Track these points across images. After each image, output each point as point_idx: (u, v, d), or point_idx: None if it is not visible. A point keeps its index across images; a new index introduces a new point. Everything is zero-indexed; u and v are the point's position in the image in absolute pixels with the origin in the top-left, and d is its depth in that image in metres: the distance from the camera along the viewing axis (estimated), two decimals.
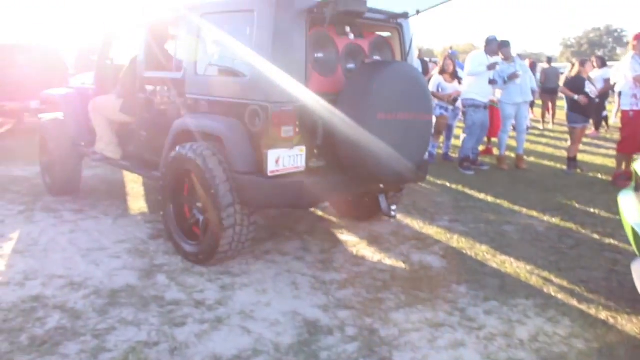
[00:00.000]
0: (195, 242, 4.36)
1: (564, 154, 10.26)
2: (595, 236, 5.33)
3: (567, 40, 68.55)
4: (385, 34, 4.88)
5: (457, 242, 5.10)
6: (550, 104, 14.18)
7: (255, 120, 3.95)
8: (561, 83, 14.08)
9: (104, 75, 5.80)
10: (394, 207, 4.50)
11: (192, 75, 4.45)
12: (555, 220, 5.83)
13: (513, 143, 9.47)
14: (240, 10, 4.13)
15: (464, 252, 4.86)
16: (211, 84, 4.30)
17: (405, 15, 4.69)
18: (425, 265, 4.50)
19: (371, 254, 4.72)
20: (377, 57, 4.68)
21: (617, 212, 3.97)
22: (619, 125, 8.39)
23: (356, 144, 3.90)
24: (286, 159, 3.92)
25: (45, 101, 6.71)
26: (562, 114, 16.34)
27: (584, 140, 11.77)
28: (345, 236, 5.16)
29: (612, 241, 5.17)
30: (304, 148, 3.98)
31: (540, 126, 14.45)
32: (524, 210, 6.19)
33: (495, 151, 9.37)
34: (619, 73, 7.61)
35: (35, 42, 10.80)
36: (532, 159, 9.49)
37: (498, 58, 8.34)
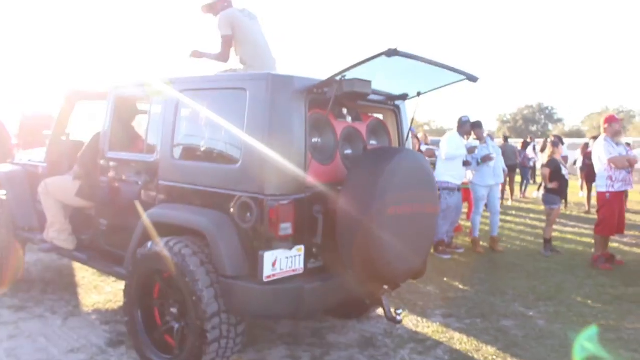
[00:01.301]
0: (170, 355, 3.67)
1: (532, 231, 10.11)
2: (601, 330, 4.94)
3: (503, 116, 71.73)
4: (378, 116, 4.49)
5: (459, 343, 4.58)
6: (508, 181, 14.24)
7: (246, 215, 3.40)
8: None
9: (58, 153, 5.14)
10: (399, 311, 3.97)
11: (168, 159, 3.88)
12: (552, 311, 5.43)
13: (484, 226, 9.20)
14: (229, 88, 3.65)
15: (470, 355, 4.34)
16: (191, 171, 3.74)
17: (404, 97, 4.32)
18: None
19: None
20: (374, 142, 4.26)
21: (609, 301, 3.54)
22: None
23: (365, 241, 3.40)
24: (284, 261, 3.37)
25: None
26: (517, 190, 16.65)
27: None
28: (334, 338, 4.55)
29: (620, 335, 4.78)
30: (302, 247, 3.44)
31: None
32: (517, 301, 5.77)
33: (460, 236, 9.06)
34: (593, 155, 7.55)
35: None
36: (503, 239, 9.22)
37: (472, 139, 8.18)
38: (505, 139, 15.69)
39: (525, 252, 8.41)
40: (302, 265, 3.46)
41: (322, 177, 3.67)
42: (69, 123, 5.20)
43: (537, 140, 20.74)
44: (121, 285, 5.63)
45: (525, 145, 17.02)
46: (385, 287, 3.90)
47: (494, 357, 4.34)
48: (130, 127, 4.64)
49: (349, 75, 3.46)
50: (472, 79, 3.93)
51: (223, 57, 4.57)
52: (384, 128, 4.40)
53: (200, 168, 3.71)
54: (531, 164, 17.00)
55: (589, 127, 56.73)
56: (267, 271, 3.27)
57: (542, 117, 71.04)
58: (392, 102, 4.38)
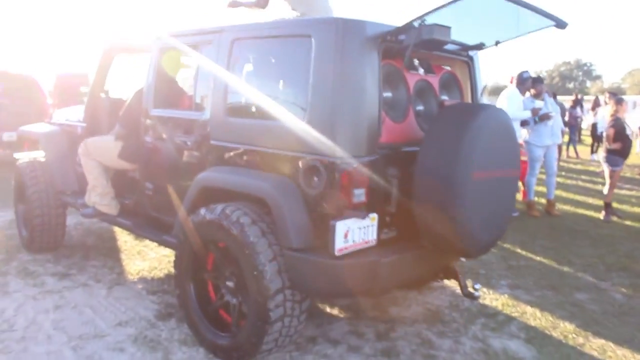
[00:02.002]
0: (226, 333, 3.36)
1: (586, 193, 9.56)
2: None
3: (539, 73, 69.49)
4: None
5: (533, 318, 4.20)
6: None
7: (313, 180, 3.01)
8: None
9: (98, 112, 4.79)
10: (477, 286, 3.58)
11: (221, 116, 3.49)
12: (627, 284, 5.00)
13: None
14: (291, 35, 3.21)
15: (547, 333, 3.96)
16: (248, 130, 3.34)
17: (480, 47, 3.83)
18: (514, 357, 3.58)
19: (440, 340, 3.77)
20: (445, 97, 3.80)
21: None
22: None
23: (446, 210, 2.99)
24: (356, 232, 2.98)
25: (23, 138, 5.65)
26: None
27: (600, 181, 11.12)
28: (397, 312, 4.20)
29: None
30: (375, 216, 3.04)
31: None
32: (587, 272, 5.33)
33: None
34: None
35: (8, 67, 9.68)
36: (558, 203, 8.71)
37: (529, 96, 7.63)
38: (554, 96, 14.92)
39: (583, 216, 7.91)
40: (375, 237, 3.08)
41: (395, 136, 3.26)
42: (108, 79, 4.82)
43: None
44: (165, 251, 5.37)
45: (576, 103, 16.21)
46: (463, 259, 3.52)
47: (574, 335, 3.95)
48: (175, 83, 4.24)
49: (427, 20, 3.00)
50: (561, 24, 3.42)
51: (261, 3, 4.16)
52: (457, 82, 3.93)
53: (258, 127, 3.31)
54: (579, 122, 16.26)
55: (630, 84, 54.59)
56: (339, 243, 2.89)
57: (580, 73, 68.68)
58: (465, 53, 3.89)
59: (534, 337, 3.89)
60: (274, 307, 3.04)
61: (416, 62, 3.57)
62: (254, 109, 3.43)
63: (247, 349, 3.18)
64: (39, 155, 5.46)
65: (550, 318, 4.21)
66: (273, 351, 3.25)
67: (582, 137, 20.09)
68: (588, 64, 68.74)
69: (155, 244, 5.42)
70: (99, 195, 4.41)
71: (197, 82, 3.74)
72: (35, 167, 5.15)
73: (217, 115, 3.51)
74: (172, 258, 5.14)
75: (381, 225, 3.12)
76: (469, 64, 3.96)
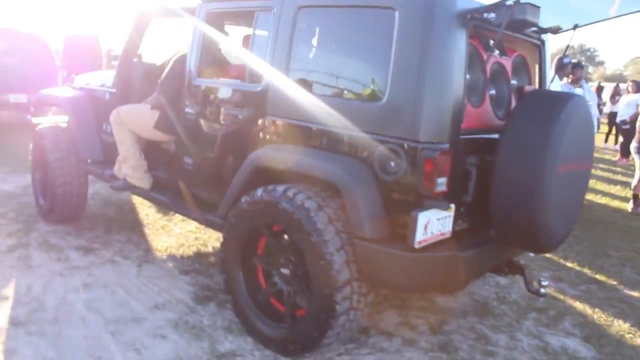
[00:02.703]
0: (279, 323, 3.14)
1: (609, 183, 9.40)
2: None
3: None
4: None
5: (584, 315, 4.02)
6: None
7: (390, 165, 2.76)
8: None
9: (129, 78, 4.47)
10: (544, 283, 3.38)
11: (281, 90, 3.21)
12: None
13: None
14: (370, 6, 2.91)
15: (603, 331, 3.79)
16: (314, 106, 3.06)
17: (556, 30, 3.55)
18: (576, 357, 3.40)
19: (496, 335, 3.58)
20: (514, 82, 3.54)
21: None
22: None
23: (528, 202, 2.77)
24: (435, 224, 2.75)
25: (43, 103, 5.32)
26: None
27: (619, 170, 10.98)
28: (445, 302, 4.00)
29: None
30: (453, 207, 2.81)
31: None
32: (626, 266, 5.17)
33: None
34: None
35: (16, 25, 9.22)
36: None
37: (565, 82, 7.37)
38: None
39: (610, 207, 7.75)
40: (450, 229, 2.86)
41: (473, 122, 3.01)
42: (142, 44, 4.49)
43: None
44: (189, 226, 5.13)
45: (599, 89, 15.89)
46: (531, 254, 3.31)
47: (631, 334, 3.78)
48: (219, 51, 3.94)
49: None
50: None
51: None
52: (526, 66, 3.68)
53: (326, 103, 3.03)
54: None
55: (632, 72, 54.38)
56: (420, 235, 2.67)
57: (583, 59, 68.21)
58: (538, 36, 3.62)
59: (590, 335, 3.72)
60: (340, 300, 2.82)
61: (491, 43, 3.30)
62: (322, 85, 3.15)
63: (306, 342, 2.96)
64: (61, 120, 5.16)
65: (602, 315, 4.04)
66: (332, 345, 3.04)
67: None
68: (592, 50, 68.24)
69: (177, 218, 5.21)
70: (131, 168, 4.13)
71: (251, 51, 3.43)
72: (58, 133, 4.85)
73: (277, 88, 3.22)
74: (199, 234, 4.97)
75: (455, 217, 2.89)
76: (540, 48, 3.69)
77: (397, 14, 2.75)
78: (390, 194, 2.79)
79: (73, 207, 4.92)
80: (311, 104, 3.07)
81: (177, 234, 5.00)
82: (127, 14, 4.56)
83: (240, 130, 3.44)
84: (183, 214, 4.00)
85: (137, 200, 5.91)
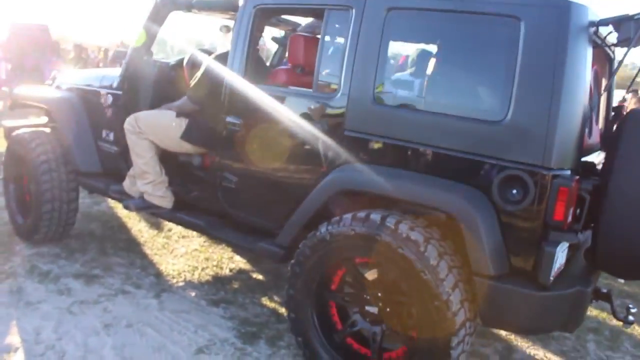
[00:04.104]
0: None
1: None
2: None
3: None
4: None
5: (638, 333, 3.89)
6: None
7: (513, 194, 2.43)
8: None
9: (141, 78, 3.85)
10: (633, 309, 3.17)
11: (365, 103, 2.78)
12: None
13: None
14: (485, 13, 2.54)
15: None
16: (411, 123, 2.67)
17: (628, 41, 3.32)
18: None
19: None
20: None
21: None
22: None
23: None
24: (559, 257, 2.46)
25: (19, 104, 4.56)
26: None
27: None
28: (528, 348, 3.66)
29: None
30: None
31: None
32: None
33: None
34: None
35: None
36: None
37: None
38: None
39: None
40: (564, 260, 2.58)
41: (586, 142, 2.72)
42: (156, 39, 3.87)
43: None
44: (192, 244, 4.60)
45: None
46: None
47: None
48: (269, 52, 3.44)
49: None
50: None
51: None
52: (598, 79, 3.45)
53: (427, 120, 2.64)
54: None
55: None
56: (553, 272, 2.37)
57: None
58: (613, 48, 3.39)
59: None
60: (456, 345, 2.48)
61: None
62: (420, 99, 2.76)
63: None
64: (41, 124, 4.46)
65: None
66: None
67: None
68: None
69: (176, 235, 4.68)
70: (151, 184, 3.55)
71: (321, 57, 2.97)
72: (43, 140, 4.15)
73: (359, 101, 2.79)
74: (207, 254, 4.43)
75: None
76: (611, 62, 3.47)
77: (523, 24, 2.41)
78: (511, 225, 2.47)
79: (61, 226, 4.25)
80: (406, 120, 2.69)
81: (183, 254, 4.43)
82: (145, 2, 3.88)
83: (307, 146, 2.98)
84: (223, 240, 3.48)
85: (122, 213, 5.25)
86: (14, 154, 4.30)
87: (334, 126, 2.88)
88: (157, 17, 3.69)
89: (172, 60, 4.07)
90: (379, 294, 2.73)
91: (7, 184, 4.49)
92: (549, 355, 3.44)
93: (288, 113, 3.05)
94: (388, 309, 2.71)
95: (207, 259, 4.36)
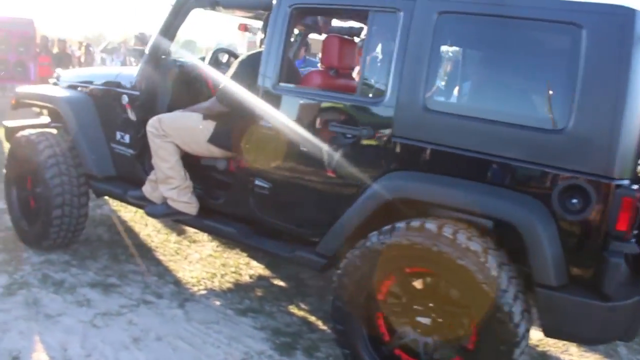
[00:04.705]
0: None
1: None
2: None
3: None
4: None
5: None
6: None
7: (573, 204, 2.39)
8: None
9: (159, 78, 3.69)
10: None
11: (415, 108, 2.69)
12: None
13: None
14: (545, 20, 2.48)
15: None
16: (467, 131, 2.60)
17: None
18: None
19: None
20: None
21: None
22: None
23: None
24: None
25: (24, 103, 4.33)
26: None
27: None
28: (562, 353, 3.63)
29: None
30: None
31: None
32: None
33: None
34: None
35: None
36: None
37: None
38: None
39: None
40: None
41: None
42: (176, 37, 3.71)
43: None
44: (205, 249, 4.47)
45: None
46: None
47: None
48: (305, 54, 3.32)
49: None
50: None
51: None
52: None
53: (482, 128, 2.57)
54: None
55: None
56: (616, 282, 2.35)
57: None
58: None
59: None
60: (518, 356, 2.43)
61: None
62: (476, 105, 2.68)
63: None
64: (47, 125, 4.26)
65: None
66: None
67: None
68: None
69: (188, 239, 4.55)
70: (176, 190, 3.40)
71: (366, 60, 2.87)
72: (51, 142, 3.95)
73: (409, 106, 2.70)
74: (223, 259, 4.30)
75: None
76: None
77: (585, 32, 2.36)
78: (571, 235, 2.43)
79: (70, 232, 4.06)
80: (460, 128, 2.61)
81: (198, 260, 4.29)
82: None
83: (350, 153, 2.88)
84: (257, 248, 3.34)
85: (127, 216, 5.08)
86: (18, 156, 4.09)
87: (380, 132, 2.79)
88: (178, 14, 3.53)
89: (191, 59, 3.91)
90: (431, 305, 2.66)
91: (9, 188, 4.26)
92: None
93: (328, 117, 2.95)
94: (441, 320, 2.64)
95: (223, 265, 4.22)
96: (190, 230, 4.69)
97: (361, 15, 3.11)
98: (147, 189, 3.60)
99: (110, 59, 10.79)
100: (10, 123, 4.35)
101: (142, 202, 3.63)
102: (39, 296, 3.48)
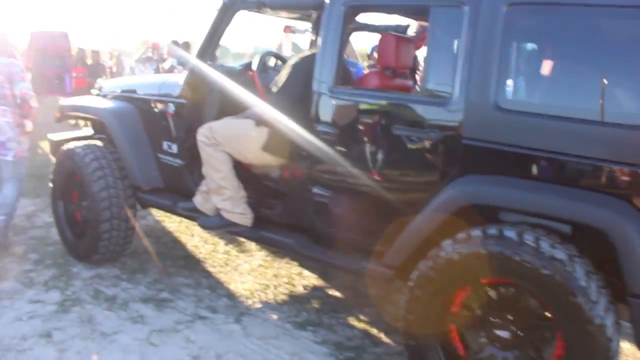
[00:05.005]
0: None
1: None
2: None
3: None
4: None
5: None
6: None
7: None
8: None
9: (205, 85, 3.58)
10: None
11: (487, 109, 2.52)
12: None
13: None
14: (631, 6, 2.29)
15: None
16: (546, 130, 2.41)
17: None
18: None
19: None
20: None
21: None
22: None
23: None
24: None
25: (69, 115, 4.28)
26: None
27: None
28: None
29: None
30: None
31: None
32: None
33: None
34: None
35: None
36: None
37: None
38: None
39: None
40: None
41: None
42: (222, 42, 3.60)
43: None
44: (254, 259, 4.35)
45: None
46: None
47: None
48: (360, 54, 3.18)
49: None
50: None
51: None
52: None
53: (563, 127, 2.38)
54: None
55: None
56: None
57: None
58: None
59: None
60: None
61: None
62: (555, 103, 2.49)
63: None
64: (92, 137, 4.19)
65: None
66: None
67: None
68: None
69: (235, 249, 4.43)
70: (230, 200, 3.29)
71: (430, 59, 2.71)
72: (97, 154, 3.87)
73: (480, 106, 2.53)
74: (274, 270, 4.17)
75: None
76: None
77: None
78: None
79: (118, 245, 3.98)
80: (538, 127, 2.42)
81: (249, 271, 4.17)
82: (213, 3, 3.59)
83: (415, 157, 2.73)
84: (317, 259, 3.20)
85: (171, 227, 5.00)
86: (64, 169, 4.03)
87: (448, 134, 2.62)
88: (224, 18, 3.41)
89: (237, 64, 3.80)
90: (511, 317, 2.48)
91: (56, 202, 4.20)
92: None
93: (390, 120, 2.80)
94: (522, 334, 2.46)
95: (275, 276, 4.10)
96: (238, 239, 4.59)
97: (419, 12, 2.95)
98: (198, 200, 3.49)
99: (140, 69, 10.82)
100: (55, 136, 4.30)
101: (193, 214, 3.53)
102: (93, 313, 3.39)
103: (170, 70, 7.88)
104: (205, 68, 3.53)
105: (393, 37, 3.09)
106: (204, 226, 3.43)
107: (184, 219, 4.98)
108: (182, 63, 3.55)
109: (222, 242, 4.64)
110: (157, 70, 9.62)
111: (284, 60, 3.81)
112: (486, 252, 2.37)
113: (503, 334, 2.50)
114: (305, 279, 4.07)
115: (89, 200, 3.83)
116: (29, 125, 4.15)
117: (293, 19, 3.99)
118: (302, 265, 4.27)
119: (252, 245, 4.55)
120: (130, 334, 3.18)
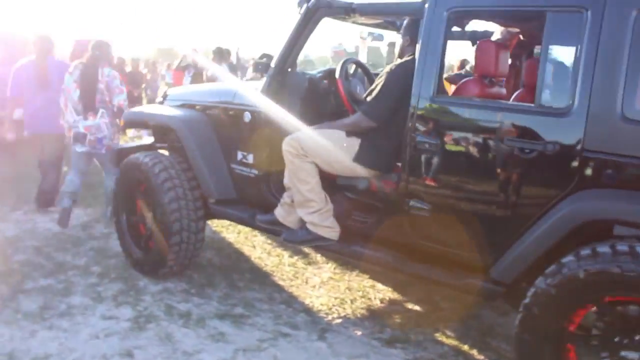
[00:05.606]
0: None
1: None
2: None
3: None
4: None
5: None
6: None
7: None
8: None
9: (284, 91, 3.46)
10: None
11: (613, 119, 2.38)
12: None
13: None
14: None
15: None
16: None
17: None
18: None
19: None
20: None
21: None
22: None
23: None
24: None
25: (136, 124, 4.18)
26: None
27: None
28: None
29: None
30: None
31: None
32: None
33: None
34: None
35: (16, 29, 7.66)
36: None
37: None
38: None
39: None
40: None
41: None
42: (301, 48, 3.47)
43: None
44: (324, 272, 4.24)
45: None
46: None
47: None
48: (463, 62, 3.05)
49: None
50: None
51: None
52: None
53: None
54: None
55: None
56: None
57: None
58: None
59: None
60: None
61: None
62: None
63: None
64: (158, 146, 4.08)
65: None
66: None
67: None
68: None
69: (302, 260, 4.29)
70: (318, 213, 3.16)
71: (545, 67, 2.58)
72: (166, 164, 3.76)
73: (603, 117, 2.38)
74: (346, 282, 4.04)
75: None
76: None
77: None
78: None
79: (188, 259, 3.87)
80: None
81: (320, 284, 4.04)
82: (296, 8, 3.48)
83: (528, 170, 2.60)
84: (419, 277, 3.05)
85: (231, 238, 4.89)
86: (130, 180, 3.92)
87: (567, 146, 2.48)
88: (308, 24, 3.30)
89: (318, 72, 3.68)
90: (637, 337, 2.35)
91: (119, 214, 4.10)
92: None
93: (498, 131, 2.67)
94: None
95: (349, 289, 3.97)
96: (302, 251, 4.47)
97: (531, 18, 2.83)
98: (280, 213, 3.36)
99: (170, 76, 10.77)
100: (125, 146, 4.19)
101: (275, 227, 3.40)
102: (170, 330, 3.27)
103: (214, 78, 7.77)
104: (285, 76, 3.42)
105: (492, 44, 2.97)
106: (290, 240, 3.31)
107: (242, 230, 4.91)
108: (261, 70, 3.40)
109: (286, 254, 4.51)
110: (194, 78, 9.53)
111: (364, 68, 3.69)
112: (618, 270, 2.24)
113: (633, 356, 2.37)
114: (380, 292, 3.94)
115: (159, 212, 3.72)
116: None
117: (372, 25, 3.87)
118: (373, 277, 4.14)
119: (318, 257, 4.43)
120: (214, 353, 3.06)
